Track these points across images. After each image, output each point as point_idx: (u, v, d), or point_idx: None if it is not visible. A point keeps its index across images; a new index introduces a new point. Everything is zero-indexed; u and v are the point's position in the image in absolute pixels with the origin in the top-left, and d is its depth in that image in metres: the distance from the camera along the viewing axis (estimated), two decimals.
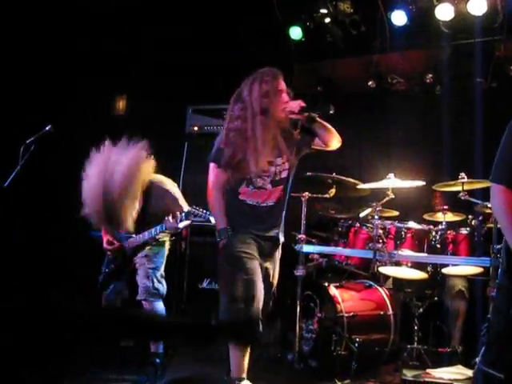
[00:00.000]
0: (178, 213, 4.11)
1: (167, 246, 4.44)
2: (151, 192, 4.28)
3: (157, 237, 4.28)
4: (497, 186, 2.58)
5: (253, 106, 3.49)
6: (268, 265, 3.65)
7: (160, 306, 4.25)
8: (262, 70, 3.64)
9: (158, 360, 4.19)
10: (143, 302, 4.20)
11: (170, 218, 4.10)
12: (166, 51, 5.92)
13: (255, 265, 3.46)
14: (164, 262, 4.37)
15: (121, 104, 6.16)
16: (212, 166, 3.62)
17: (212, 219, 4.00)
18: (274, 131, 3.52)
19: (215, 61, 6.19)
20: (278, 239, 3.72)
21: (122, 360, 4.54)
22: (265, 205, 3.58)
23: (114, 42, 5.65)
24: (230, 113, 3.68)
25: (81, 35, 5.54)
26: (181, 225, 4.17)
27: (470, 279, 4.84)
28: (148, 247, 4.31)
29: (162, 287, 4.28)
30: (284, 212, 3.72)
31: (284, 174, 3.61)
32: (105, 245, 4.45)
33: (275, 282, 3.77)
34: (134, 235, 4.30)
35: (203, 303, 5.63)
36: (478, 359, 2.77)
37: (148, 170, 4.25)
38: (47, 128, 4.59)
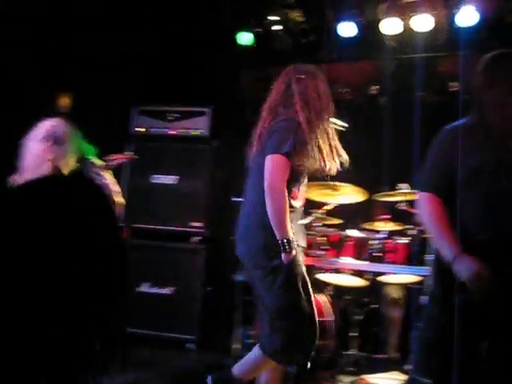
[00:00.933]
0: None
1: None
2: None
3: None
4: (423, 194, 2.65)
5: (315, 103, 3.22)
6: None
7: None
8: (313, 67, 3.47)
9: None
10: None
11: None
12: (113, 51, 5.82)
13: None
14: None
15: (64, 101, 6.01)
16: (281, 158, 3.06)
17: (135, 155, 4.07)
18: None
19: (163, 63, 6.14)
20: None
21: None
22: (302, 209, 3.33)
23: (60, 38, 5.52)
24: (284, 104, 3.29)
25: (27, 30, 5.38)
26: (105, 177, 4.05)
27: (407, 287, 4.95)
28: None
29: None
30: None
31: None
32: None
33: None
34: None
35: (142, 307, 5.55)
36: (408, 367, 2.84)
37: None
38: None
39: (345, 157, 3.33)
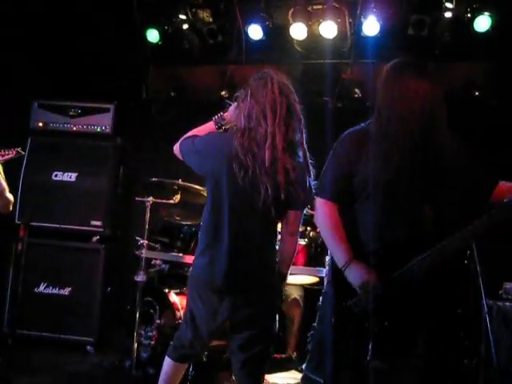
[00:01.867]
0: None
1: None
2: None
3: None
4: (319, 200, 2.73)
5: None
6: None
7: None
8: None
9: None
10: None
11: None
12: (15, 42, 5.60)
13: None
14: None
15: None
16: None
17: (22, 151, 3.95)
18: None
19: (68, 57, 5.97)
20: None
21: None
22: None
23: None
24: None
25: None
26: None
27: (306, 288, 5.05)
28: None
29: None
30: None
31: None
32: None
33: None
34: None
35: (39, 308, 5.38)
36: (304, 365, 2.89)
37: None
38: None
39: None
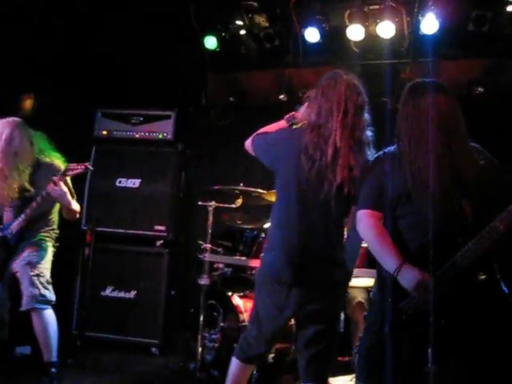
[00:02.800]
0: (54, 177, 4.00)
1: (50, 252, 4.22)
2: (38, 172, 4.17)
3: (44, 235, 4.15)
4: (361, 212, 2.74)
5: None
6: None
7: (49, 313, 4.05)
8: None
9: (53, 370, 4.02)
10: (31, 312, 3.98)
11: (50, 185, 3.99)
12: (79, 55, 5.78)
13: None
14: (49, 269, 4.16)
15: (27, 103, 5.94)
16: None
17: (90, 166, 4.05)
18: None
19: (128, 66, 6.11)
20: None
21: (16, 369, 4.38)
22: None
23: (26, 39, 5.45)
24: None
25: None
26: (64, 189, 4.05)
27: (370, 291, 4.99)
28: (30, 252, 4.11)
29: (50, 293, 4.07)
30: None
31: None
32: None
33: None
34: (12, 222, 4.10)
35: (105, 311, 5.52)
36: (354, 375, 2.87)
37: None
38: None
39: None
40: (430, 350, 2.42)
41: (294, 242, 2.93)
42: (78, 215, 4.33)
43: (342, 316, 3.10)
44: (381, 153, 2.82)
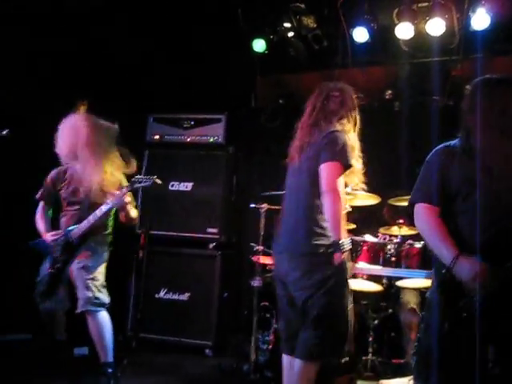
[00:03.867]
0: (123, 188, 4.10)
1: (105, 255, 4.31)
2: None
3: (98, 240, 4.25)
4: (420, 205, 2.73)
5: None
6: None
7: (104, 315, 4.13)
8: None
9: (110, 370, 4.11)
10: (86, 314, 4.07)
11: (115, 192, 4.08)
12: (129, 59, 5.89)
13: None
14: (103, 272, 4.23)
15: (81, 110, 6.08)
16: (340, 167, 3.27)
17: (158, 180, 4.13)
18: None
19: (177, 70, 6.19)
20: None
21: (75, 369, 4.49)
22: None
23: (76, 47, 5.59)
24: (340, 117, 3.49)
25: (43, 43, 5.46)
26: (128, 199, 4.15)
27: (422, 293, 4.92)
28: (86, 257, 4.18)
29: (104, 296, 4.15)
30: None
31: None
32: (50, 238, 4.24)
33: None
34: (75, 226, 4.18)
35: (160, 313, 5.61)
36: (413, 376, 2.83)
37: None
38: (4, 132, 4.45)
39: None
40: (491, 350, 2.38)
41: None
42: (136, 221, 4.41)
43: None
44: (441, 146, 2.77)
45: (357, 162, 3.38)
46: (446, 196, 2.65)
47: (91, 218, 4.11)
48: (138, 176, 4.16)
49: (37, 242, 4.31)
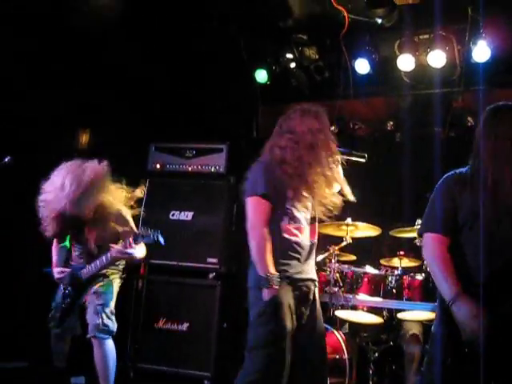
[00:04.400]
0: (128, 238, 4.08)
1: (117, 283, 4.35)
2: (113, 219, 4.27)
3: (110, 267, 4.25)
4: (428, 235, 2.69)
5: (305, 138, 3.29)
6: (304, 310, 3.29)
7: (110, 344, 4.13)
8: (308, 105, 3.51)
9: None
10: (92, 340, 4.08)
11: (117, 245, 4.09)
12: (130, 88, 5.93)
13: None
14: (114, 299, 4.26)
15: (84, 138, 6.13)
16: (257, 199, 3.29)
17: (161, 239, 4.06)
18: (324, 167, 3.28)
19: (179, 100, 6.24)
20: None
21: None
22: (309, 243, 3.37)
23: (80, 75, 5.64)
24: (274, 143, 3.45)
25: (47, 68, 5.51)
26: (133, 251, 4.11)
27: (424, 324, 4.89)
28: (98, 284, 4.23)
29: (112, 324, 4.16)
30: None
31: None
32: (56, 275, 4.30)
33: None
34: (86, 266, 4.22)
35: (158, 343, 5.55)
36: None
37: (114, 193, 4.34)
38: (6, 159, 4.49)
39: (350, 195, 3.37)
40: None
41: None
42: (144, 259, 4.46)
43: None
44: (451, 173, 2.75)
45: (304, 183, 3.22)
46: (454, 225, 2.62)
47: (98, 263, 4.17)
48: (142, 229, 4.16)
49: (49, 270, 4.39)
